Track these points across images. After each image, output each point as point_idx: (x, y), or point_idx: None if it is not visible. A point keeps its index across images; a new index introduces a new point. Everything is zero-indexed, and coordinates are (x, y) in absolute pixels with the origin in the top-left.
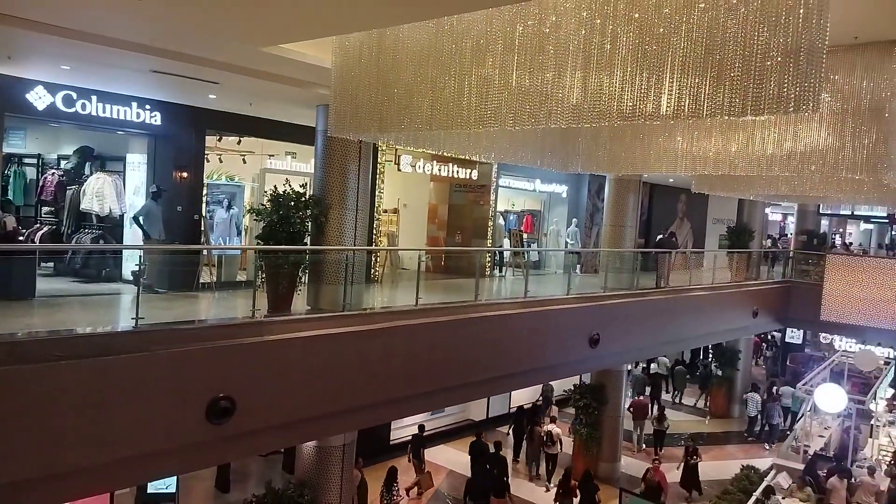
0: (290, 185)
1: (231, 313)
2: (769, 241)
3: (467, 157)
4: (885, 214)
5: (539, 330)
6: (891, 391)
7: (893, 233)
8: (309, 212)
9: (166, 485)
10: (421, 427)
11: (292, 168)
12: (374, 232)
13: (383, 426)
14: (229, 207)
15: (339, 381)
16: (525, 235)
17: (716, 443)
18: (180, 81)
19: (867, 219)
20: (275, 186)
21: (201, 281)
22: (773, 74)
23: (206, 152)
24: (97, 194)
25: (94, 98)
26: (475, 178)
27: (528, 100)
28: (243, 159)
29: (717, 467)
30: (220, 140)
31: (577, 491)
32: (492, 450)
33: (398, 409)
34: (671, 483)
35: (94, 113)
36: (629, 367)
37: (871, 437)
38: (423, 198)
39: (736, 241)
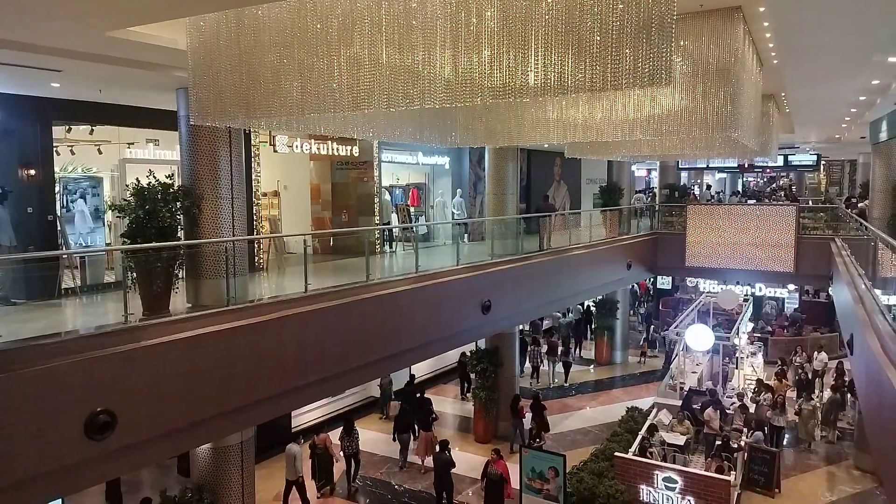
0: (154, 176)
1: (101, 320)
2: (648, 195)
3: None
4: (736, 165)
5: (432, 302)
6: (751, 325)
7: (744, 180)
8: (179, 204)
9: None
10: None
11: (156, 156)
12: (255, 218)
13: (283, 415)
14: (84, 195)
15: (230, 379)
16: (412, 209)
17: (602, 389)
18: (16, 71)
19: (721, 170)
20: (137, 179)
21: (64, 286)
22: (627, 49)
23: (54, 145)
24: None
25: None
26: (357, 154)
27: (401, 79)
28: (98, 150)
29: (606, 411)
30: (69, 131)
31: (523, 412)
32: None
33: (295, 400)
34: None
35: None
36: (558, 316)
37: (736, 368)
38: (303, 178)
39: (608, 199)
